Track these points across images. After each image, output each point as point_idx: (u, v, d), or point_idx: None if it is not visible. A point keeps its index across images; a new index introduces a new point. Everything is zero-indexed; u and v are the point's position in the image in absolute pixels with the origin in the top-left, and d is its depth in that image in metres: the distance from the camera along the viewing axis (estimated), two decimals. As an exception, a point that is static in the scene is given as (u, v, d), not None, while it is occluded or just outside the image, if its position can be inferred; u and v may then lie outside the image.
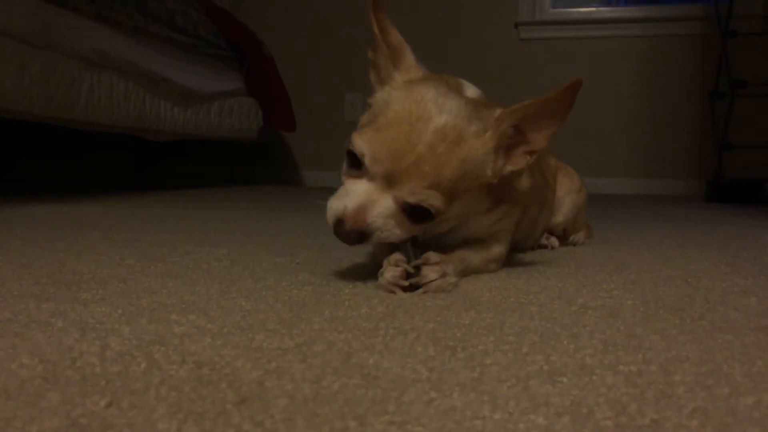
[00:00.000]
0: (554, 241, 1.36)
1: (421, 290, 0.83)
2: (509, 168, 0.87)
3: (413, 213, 0.81)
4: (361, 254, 1.15)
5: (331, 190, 0.84)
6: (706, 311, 0.76)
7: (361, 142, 0.80)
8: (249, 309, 0.73)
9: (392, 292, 0.82)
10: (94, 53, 2.36)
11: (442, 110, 0.80)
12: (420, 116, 0.79)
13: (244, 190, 3.41)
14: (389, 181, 0.80)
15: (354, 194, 0.81)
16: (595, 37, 3.96)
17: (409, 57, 0.88)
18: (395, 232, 0.82)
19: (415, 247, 0.87)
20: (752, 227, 1.92)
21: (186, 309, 0.72)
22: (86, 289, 0.81)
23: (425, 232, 0.88)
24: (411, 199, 0.80)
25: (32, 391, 0.47)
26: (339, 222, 0.80)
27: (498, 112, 0.84)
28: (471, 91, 0.92)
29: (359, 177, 0.82)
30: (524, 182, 0.96)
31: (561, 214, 1.36)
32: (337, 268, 1.02)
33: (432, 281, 0.83)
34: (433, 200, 0.80)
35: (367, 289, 0.84)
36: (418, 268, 0.84)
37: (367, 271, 0.98)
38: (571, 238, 1.41)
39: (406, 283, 0.83)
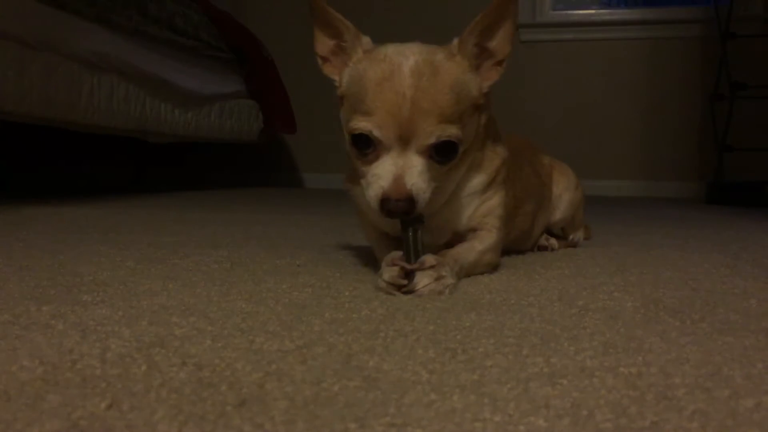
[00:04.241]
0: (554, 242, 1.36)
1: (414, 295, 0.82)
2: (486, 83, 0.93)
3: (440, 153, 0.85)
4: (362, 255, 1.15)
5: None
6: (706, 313, 0.76)
7: (361, 122, 0.84)
8: (249, 311, 0.73)
9: (391, 293, 0.82)
10: (94, 55, 2.37)
11: (406, 55, 0.85)
12: (392, 69, 0.84)
13: (244, 192, 3.41)
14: (404, 140, 0.83)
15: (384, 171, 0.84)
16: (596, 39, 3.96)
17: (359, 33, 0.93)
18: (432, 186, 0.86)
19: (416, 246, 0.86)
20: (752, 229, 1.92)
21: (186, 311, 0.72)
22: (86, 292, 0.81)
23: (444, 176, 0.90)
24: (431, 140, 0.84)
25: (32, 393, 0.47)
26: (384, 200, 0.83)
27: (456, 39, 0.91)
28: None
29: (376, 155, 0.85)
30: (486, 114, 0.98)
31: (559, 212, 1.37)
32: (337, 270, 1.02)
33: (425, 285, 0.82)
34: (449, 130, 0.84)
35: (368, 292, 0.84)
36: (413, 273, 0.84)
37: (368, 273, 0.98)
38: (570, 237, 1.41)
39: (404, 282, 0.83)
